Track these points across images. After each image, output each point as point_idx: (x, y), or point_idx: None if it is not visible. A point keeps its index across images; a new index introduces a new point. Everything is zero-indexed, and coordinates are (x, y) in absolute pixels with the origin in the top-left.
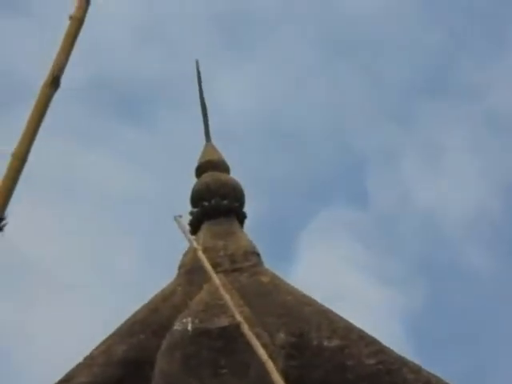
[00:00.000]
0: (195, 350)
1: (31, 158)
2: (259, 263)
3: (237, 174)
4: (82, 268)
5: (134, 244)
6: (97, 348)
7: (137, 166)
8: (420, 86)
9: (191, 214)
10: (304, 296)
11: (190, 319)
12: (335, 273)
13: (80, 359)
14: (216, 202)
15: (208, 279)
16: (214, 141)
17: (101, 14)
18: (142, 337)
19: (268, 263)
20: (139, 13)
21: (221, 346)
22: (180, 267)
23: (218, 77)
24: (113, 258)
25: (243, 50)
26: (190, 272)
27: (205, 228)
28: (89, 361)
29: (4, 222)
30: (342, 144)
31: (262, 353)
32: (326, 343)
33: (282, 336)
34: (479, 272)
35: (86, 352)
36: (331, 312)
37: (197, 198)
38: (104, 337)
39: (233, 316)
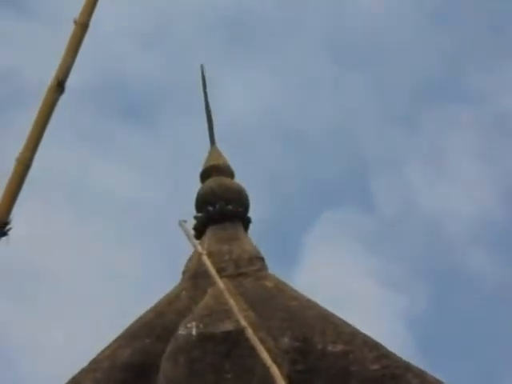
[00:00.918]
0: (199, 355)
1: (35, 162)
2: (264, 268)
3: (241, 177)
4: (87, 272)
5: (139, 249)
6: (101, 352)
7: (142, 170)
8: (425, 91)
9: (196, 218)
10: (308, 301)
11: (194, 324)
12: (339, 276)
13: (85, 364)
14: (221, 207)
15: (212, 284)
16: (218, 145)
17: (106, 18)
18: (146, 341)
19: (272, 266)
20: (145, 17)
21: (225, 351)
22: (185, 272)
23: (224, 80)
24: (117, 263)
25: (248, 54)
26: (195, 276)
27: (209, 233)
28: (93, 365)
29: (8, 227)
30: (347, 148)
31: (267, 357)
32: (330, 348)
33: (286, 341)
34: (483, 276)
35: (91, 356)
36: (336, 317)
37: (201, 203)
38: (109, 341)
39: (237, 321)
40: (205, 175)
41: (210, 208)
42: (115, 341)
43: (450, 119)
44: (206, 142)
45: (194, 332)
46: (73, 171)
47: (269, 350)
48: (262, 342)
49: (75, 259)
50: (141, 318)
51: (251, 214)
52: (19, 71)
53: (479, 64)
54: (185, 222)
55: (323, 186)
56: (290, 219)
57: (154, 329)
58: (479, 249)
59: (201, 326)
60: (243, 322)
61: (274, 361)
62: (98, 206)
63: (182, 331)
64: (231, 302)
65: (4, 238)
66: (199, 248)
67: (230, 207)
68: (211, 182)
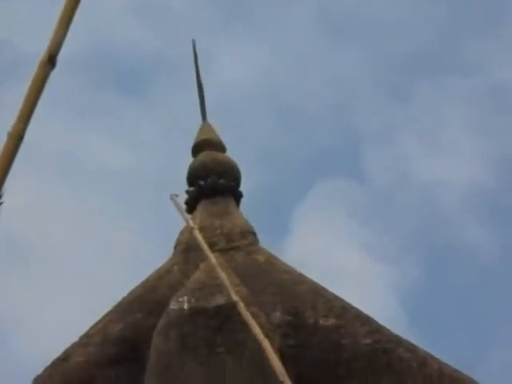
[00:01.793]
0: (191, 329)
1: (27, 136)
2: (255, 242)
3: (233, 150)
4: (79, 245)
5: (133, 222)
6: (92, 327)
7: (134, 143)
8: (419, 63)
9: (187, 192)
10: (300, 275)
11: (186, 298)
12: (331, 248)
13: (76, 338)
14: (212, 181)
15: (204, 258)
16: (210, 118)
17: None
18: (138, 315)
19: (263, 237)
20: None
21: (217, 325)
22: (176, 246)
23: (217, 53)
24: (109, 236)
25: (242, 26)
26: (187, 251)
27: (201, 207)
28: (84, 340)
29: (0, 201)
30: (340, 119)
31: (258, 332)
32: (321, 322)
33: (277, 315)
34: (477, 249)
35: (83, 331)
36: (327, 291)
37: (193, 177)
38: (100, 316)
39: (229, 295)
40: (196, 149)
41: (202, 182)
42: (106, 315)
43: (444, 91)
44: (199, 116)
45: (185, 306)
46: (65, 144)
47: (261, 325)
48: (254, 316)
49: (68, 233)
50: (132, 292)
51: (243, 186)
52: (12, 43)
53: (474, 35)
54: (176, 196)
55: (316, 158)
56: (282, 191)
57: (145, 303)
58: (473, 220)
59: (192, 300)
60: (235, 297)
61: (266, 335)
62: (90, 179)
63: (173, 306)
64: (223, 276)
65: None
66: (191, 222)
67: (221, 181)
68: (203, 156)
